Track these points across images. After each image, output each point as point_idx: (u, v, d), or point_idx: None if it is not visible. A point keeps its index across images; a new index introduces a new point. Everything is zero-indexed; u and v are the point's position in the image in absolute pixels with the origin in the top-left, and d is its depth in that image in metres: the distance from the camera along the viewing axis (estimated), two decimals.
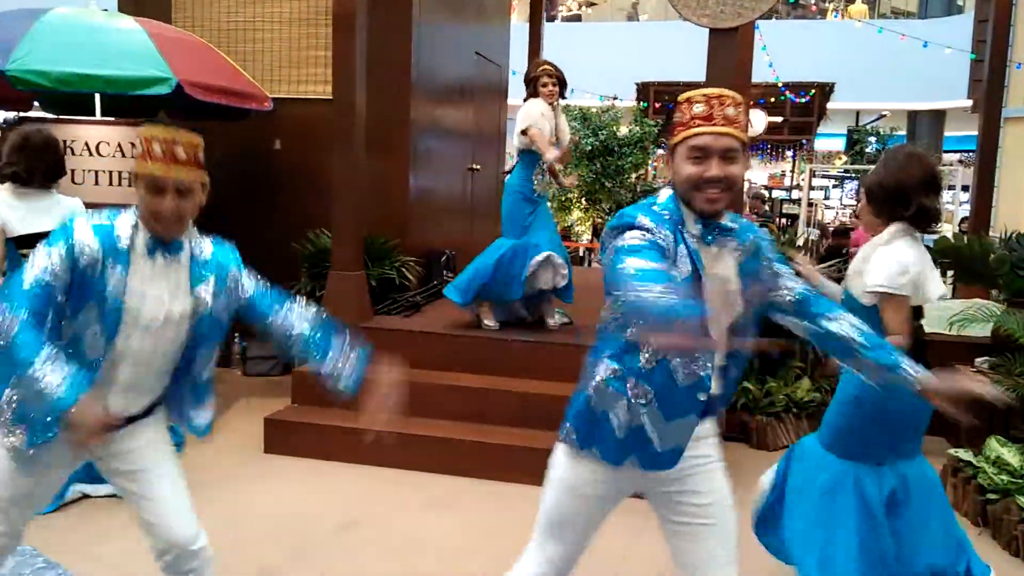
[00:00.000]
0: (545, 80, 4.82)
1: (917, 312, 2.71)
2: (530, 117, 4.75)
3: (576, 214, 12.94)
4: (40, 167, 3.55)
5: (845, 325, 1.99)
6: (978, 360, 4.67)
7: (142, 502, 2.20)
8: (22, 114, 5.84)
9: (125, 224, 2.07)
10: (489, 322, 4.97)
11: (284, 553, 3.31)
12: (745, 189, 10.80)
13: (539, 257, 4.76)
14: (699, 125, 1.79)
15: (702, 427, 1.98)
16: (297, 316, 2.26)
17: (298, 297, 2.30)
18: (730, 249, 1.90)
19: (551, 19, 18.94)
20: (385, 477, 4.15)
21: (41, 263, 1.96)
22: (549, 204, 5.24)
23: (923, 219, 2.64)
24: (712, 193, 1.80)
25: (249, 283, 2.25)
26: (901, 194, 2.61)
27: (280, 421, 4.51)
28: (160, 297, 2.09)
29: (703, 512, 2.00)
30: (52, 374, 1.85)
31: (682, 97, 1.85)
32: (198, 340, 2.17)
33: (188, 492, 2.26)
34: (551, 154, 4.68)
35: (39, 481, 2.17)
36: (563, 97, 4.98)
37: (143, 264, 2.07)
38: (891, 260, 2.54)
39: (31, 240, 3.51)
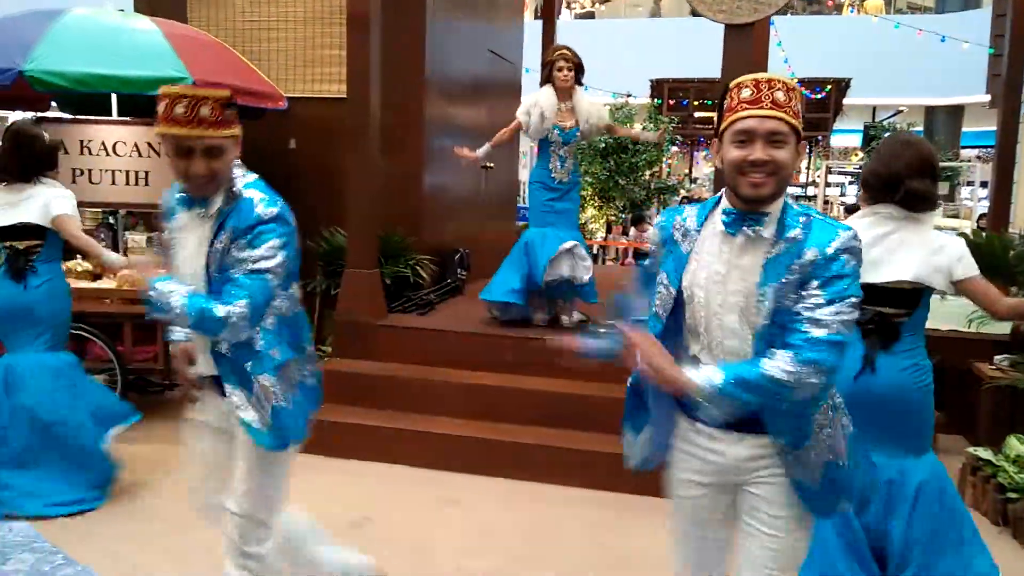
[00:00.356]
0: (560, 64, 4.82)
1: (872, 294, 2.51)
2: (521, 106, 4.90)
3: (590, 211, 12.92)
4: (14, 162, 3.60)
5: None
6: (997, 358, 4.63)
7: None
8: (39, 114, 5.89)
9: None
10: (541, 314, 5.00)
11: None
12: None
13: (567, 245, 4.78)
14: (745, 109, 1.75)
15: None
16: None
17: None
18: (764, 243, 1.77)
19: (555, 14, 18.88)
20: (398, 474, 4.16)
21: None
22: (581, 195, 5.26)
23: (913, 201, 2.58)
24: (756, 177, 1.73)
25: (241, 257, 2.04)
26: (892, 181, 2.58)
27: None
28: (191, 251, 2.11)
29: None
30: None
31: (732, 83, 1.81)
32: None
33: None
34: (476, 152, 4.94)
35: None
36: (580, 83, 4.96)
37: (184, 217, 2.11)
38: None
39: (3, 233, 3.58)
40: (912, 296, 2.59)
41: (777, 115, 1.73)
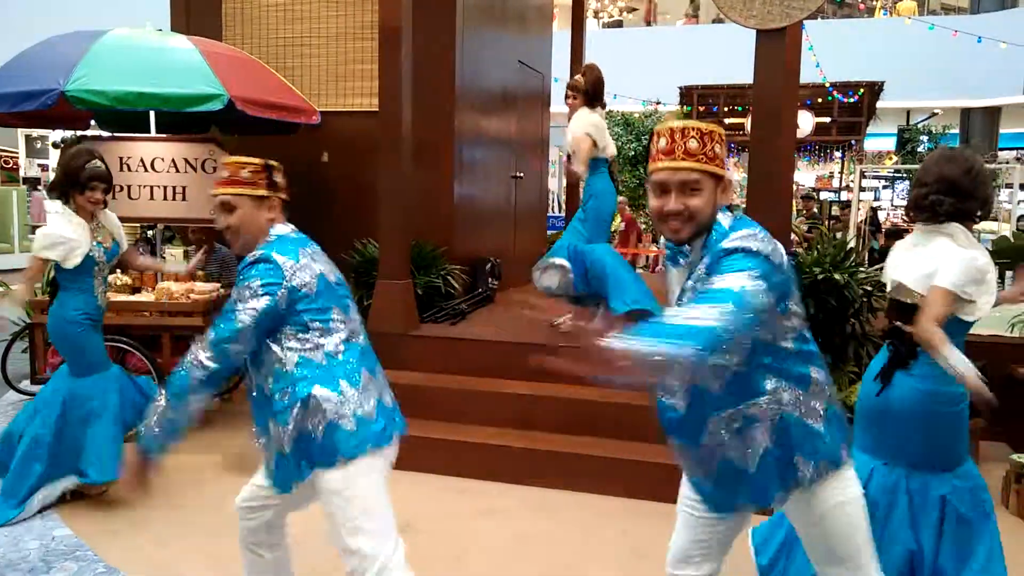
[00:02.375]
0: (566, 92, 5.02)
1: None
2: (588, 125, 4.91)
3: (619, 220, 12.88)
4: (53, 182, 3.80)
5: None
6: None
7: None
8: (80, 133, 6.05)
9: None
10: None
11: (333, 560, 3.34)
12: (794, 190, 10.63)
13: (556, 260, 4.85)
14: (661, 160, 1.86)
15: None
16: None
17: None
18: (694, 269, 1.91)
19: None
20: (434, 484, 4.18)
21: None
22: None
23: (934, 215, 2.63)
24: (674, 224, 1.86)
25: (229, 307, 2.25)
26: (917, 201, 2.65)
27: None
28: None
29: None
30: None
31: (655, 129, 1.92)
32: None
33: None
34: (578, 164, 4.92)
35: None
36: (589, 105, 4.98)
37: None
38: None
39: None
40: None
41: (688, 165, 1.83)
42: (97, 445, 3.73)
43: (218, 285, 5.27)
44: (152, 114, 5.35)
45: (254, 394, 2.34)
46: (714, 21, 20.68)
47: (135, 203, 5.26)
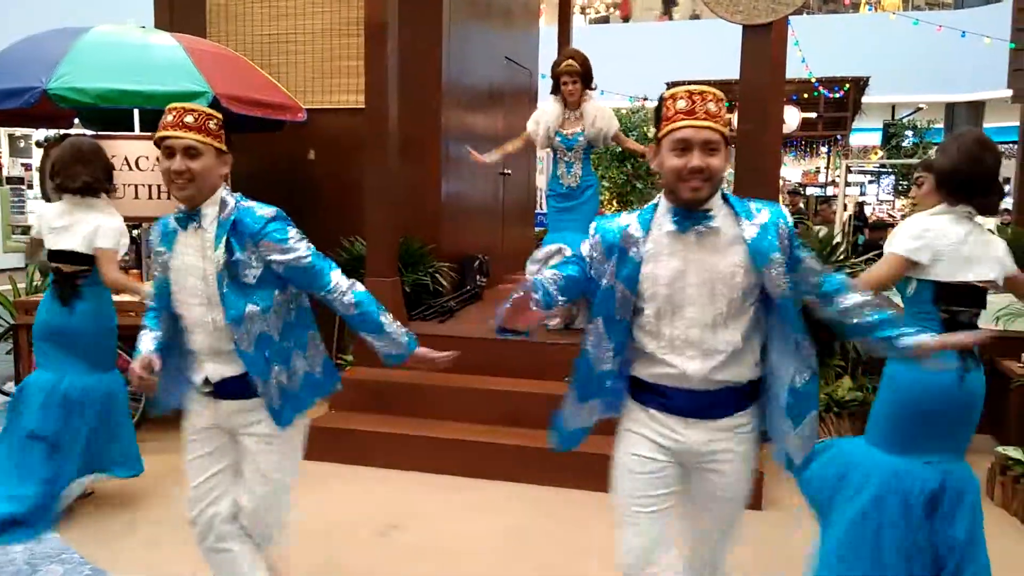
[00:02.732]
0: (564, 79, 4.89)
1: (956, 293, 2.57)
2: (539, 118, 5.03)
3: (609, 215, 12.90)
4: (75, 175, 3.65)
5: (854, 298, 2.04)
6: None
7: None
8: (63, 131, 5.98)
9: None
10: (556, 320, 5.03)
11: (325, 558, 3.34)
12: (780, 185, 10.67)
13: (552, 247, 4.83)
14: (682, 119, 1.88)
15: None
16: (351, 291, 2.37)
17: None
18: (725, 238, 1.95)
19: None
20: (425, 482, 4.17)
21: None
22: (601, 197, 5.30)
23: (987, 203, 2.63)
24: (695, 182, 1.89)
25: (287, 248, 2.29)
26: (979, 181, 2.58)
27: (319, 428, 4.53)
28: (194, 264, 2.31)
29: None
30: None
31: (666, 94, 1.94)
32: (227, 303, 2.27)
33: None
34: (485, 157, 5.12)
35: None
36: (590, 88, 4.99)
37: (182, 237, 2.34)
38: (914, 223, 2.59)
39: (52, 255, 3.67)
40: (983, 295, 2.63)
41: (711, 125, 1.87)
42: (124, 441, 3.75)
43: None
44: (136, 112, 5.30)
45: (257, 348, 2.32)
46: (691, 17, 20.72)
47: (119, 202, 5.16)
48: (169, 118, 2.29)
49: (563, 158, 4.99)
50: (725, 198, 1.99)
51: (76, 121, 6.13)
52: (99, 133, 5.49)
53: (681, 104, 1.89)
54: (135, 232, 5.60)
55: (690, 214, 1.93)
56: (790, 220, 1.97)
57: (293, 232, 2.33)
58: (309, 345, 2.48)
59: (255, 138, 5.57)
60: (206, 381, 2.37)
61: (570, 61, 4.90)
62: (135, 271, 5.19)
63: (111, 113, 5.51)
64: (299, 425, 2.48)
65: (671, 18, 21.25)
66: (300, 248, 2.31)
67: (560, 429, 2.35)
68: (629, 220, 2.03)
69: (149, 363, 2.32)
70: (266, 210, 2.33)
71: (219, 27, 6.33)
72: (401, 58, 5.15)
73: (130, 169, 5.18)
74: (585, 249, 2.08)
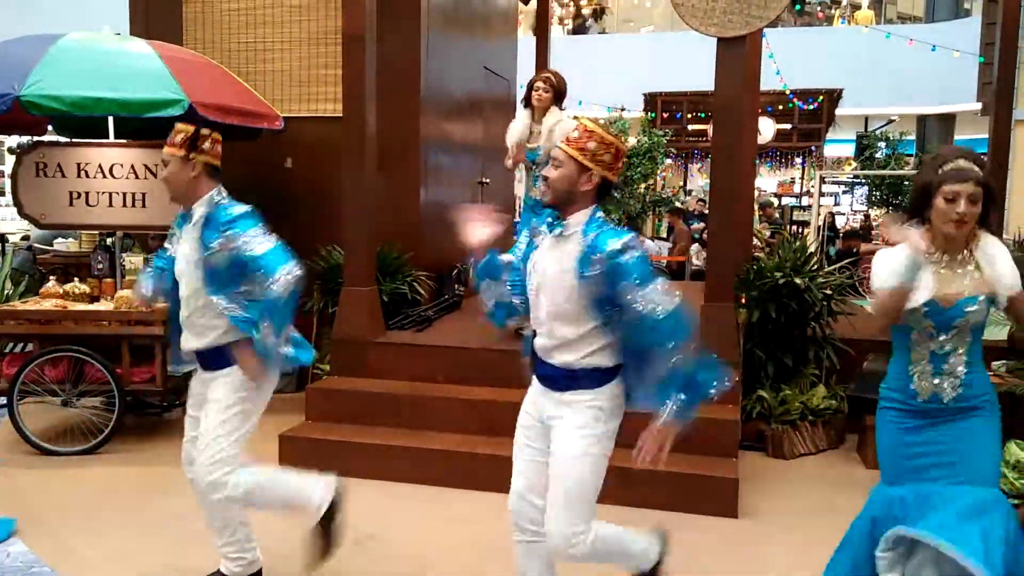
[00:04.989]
0: (538, 84, 4.91)
1: None
2: (508, 131, 5.03)
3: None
4: None
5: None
6: (995, 363, 4.63)
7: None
8: (36, 138, 5.91)
9: None
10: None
11: (300, 569, 3.31)
12: (755, 196, 10.76)
13: (505, 257, 4.80)
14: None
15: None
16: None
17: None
18: (571, 243, 2.36)
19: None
20: (400, 492, 4.15)
21: None
22: None
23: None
24: (542, 187, 2.44)
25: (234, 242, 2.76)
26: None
27: (294, 438, 4.52)
28: (185, 254, 2.87)
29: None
30: None
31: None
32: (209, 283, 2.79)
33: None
34: (507, 161, 5.04)
35: None
36: (560, 106, 4.99)
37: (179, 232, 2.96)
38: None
39: None
40: None
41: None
42: None
43: None
44: (111, 120, 5.25)
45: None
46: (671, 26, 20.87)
47: (93, 210, 5.16)
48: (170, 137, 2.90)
49: (531, 172, 5.00)
50: (591, 219, 2.37)
51: (49, 128, 6.06)
52: (74, 140, 5.44)
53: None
54: (109, 240, 5.54)
55: (555, 220, 2.43)
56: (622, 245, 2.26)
57: (258, 230, 2.83)
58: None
59: (231, 146, 5.50)
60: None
61: (548, 73, 4.97)
62: (109, 280, 5.13)
63: (85, 120, 5.46)
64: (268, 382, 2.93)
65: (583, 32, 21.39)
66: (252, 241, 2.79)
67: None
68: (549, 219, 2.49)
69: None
70: (240, 208, 2.87)
71: (195, 34, 6.29)
72: (379, 66, 5.15)
73: (104, 177, 5.13)
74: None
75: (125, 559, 3.37)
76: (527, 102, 5.01)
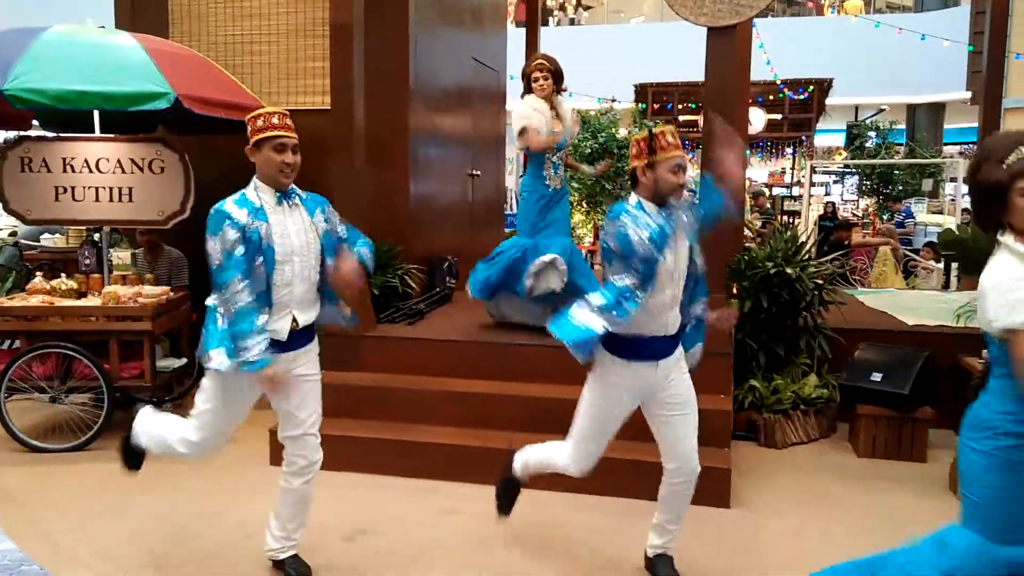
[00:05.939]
0: (536, 75, 4.83)
1: None
2: (523, 116, 4.76)
3: (577, 217, 12.93)
4: None
5: None
6: (985, 352, 4.64)
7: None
8: (21, 133, 5.85)
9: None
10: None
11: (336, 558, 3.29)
12: (746, 187, 10.78)
13: (545, 258, 4.73)
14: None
15: None
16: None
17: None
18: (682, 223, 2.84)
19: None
20: (392, 486, 4.14)
21: None
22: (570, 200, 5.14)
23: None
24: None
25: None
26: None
27: None
28: (297, 231, 3.04)
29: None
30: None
31: (656, 131, 2.85)
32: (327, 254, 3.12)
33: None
34: (537, 141, 4.71)
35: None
36: (559, 91, 4.94)
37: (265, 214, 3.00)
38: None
39: None
40: None
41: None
42: None
43: (167, 288, 5.14)
44: (96, 113, 5.20)
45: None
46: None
47: (80, 205, 5.11)
48: (275, 120, 3.04)
49: (551, 158, 4.85)
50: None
51: (35, 123, 6.00)
52: (59, 135, 5.38)
53: (670, 139, 2.79)
54: (97, 236, 5.49)
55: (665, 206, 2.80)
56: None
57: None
58: None
59: (219, 140, 5.48)
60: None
61: (541, 60, 4.89)
62: (96, 275, 5.09)
63: (70, 115, 5.40)
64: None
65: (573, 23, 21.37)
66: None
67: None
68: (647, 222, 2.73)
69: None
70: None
71: (181, 27, 6.23)
72: (368, 59, 5.11)
73: (90, 171, 5.09)
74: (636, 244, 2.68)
75: (115, 556, 3.35)
76: (528, 93, 4.92)
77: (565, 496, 3.90)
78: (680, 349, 2.94)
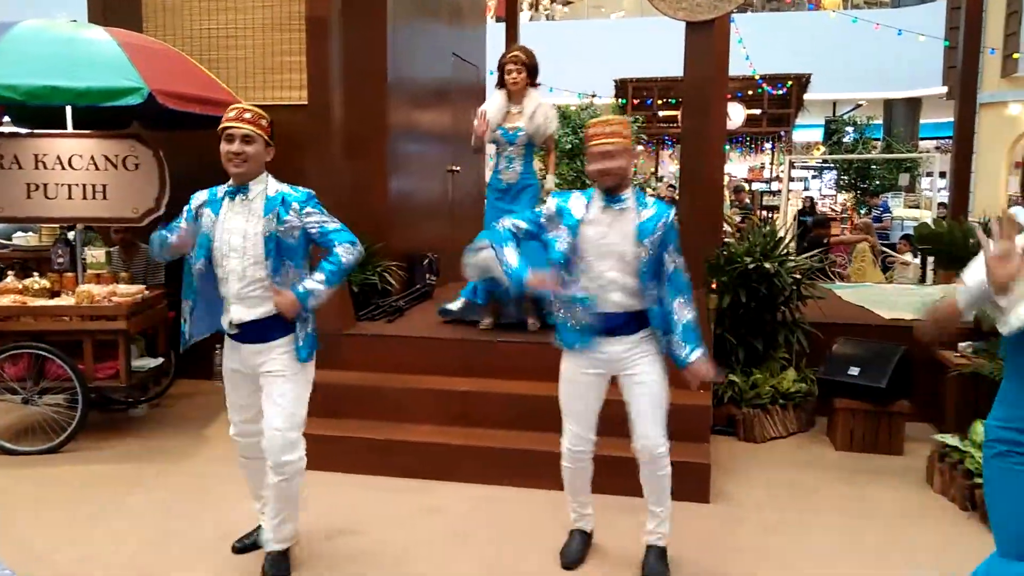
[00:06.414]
0: (510, 67, 4.83)
1: None
2: (480, 110, 4.86)
3: None
4: None
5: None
6: (962, 345, 4.69)
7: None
8: None
9: None
10: (488, 318, 5.00)
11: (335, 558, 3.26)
12: (725, 182, 10.82)
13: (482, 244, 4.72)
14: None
15: None
16: None
17: None
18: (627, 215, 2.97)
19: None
20: (374, 485, 4.11)
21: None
22: (543, 195, 5.08)
23: None
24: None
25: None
26: None
27: None
28: (241, 228, 3.02)
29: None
30: None
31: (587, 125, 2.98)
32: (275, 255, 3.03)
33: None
34: (475, 139, 4.82)
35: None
36: (533, 85, 4.93)
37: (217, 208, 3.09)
38: None
39: None
40: None
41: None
42: None
43: (143, 287, 5.08)
44: (68, 109, 5.11)
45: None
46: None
47: (52, 203, 5.03)
48: (232, 113, 3.03)
49: (503, 152, 4.90)
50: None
51: (6, 119, 5.90)
52: (32, 131, 5.29)
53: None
54: (70, 234, 5.41)
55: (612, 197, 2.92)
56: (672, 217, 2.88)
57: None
58: None
59: (194, 135, 5.40)
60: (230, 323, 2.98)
61: (517, 52, 4.88)
62: (70, 274, 5.01)
63: (42, 111, 5.30)
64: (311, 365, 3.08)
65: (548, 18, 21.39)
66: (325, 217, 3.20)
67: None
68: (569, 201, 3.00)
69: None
70: (302, 189, 3.25)
71: (155, 21, 6.14)
72: (345, 54, 5.07)
73: (63, 168, 5.01)
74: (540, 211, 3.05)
75: (93, 560, 3.30)
76: (501, 85, 4.94)
77: (549, 494, 3.89)
78: (643, 334, 3.00)
